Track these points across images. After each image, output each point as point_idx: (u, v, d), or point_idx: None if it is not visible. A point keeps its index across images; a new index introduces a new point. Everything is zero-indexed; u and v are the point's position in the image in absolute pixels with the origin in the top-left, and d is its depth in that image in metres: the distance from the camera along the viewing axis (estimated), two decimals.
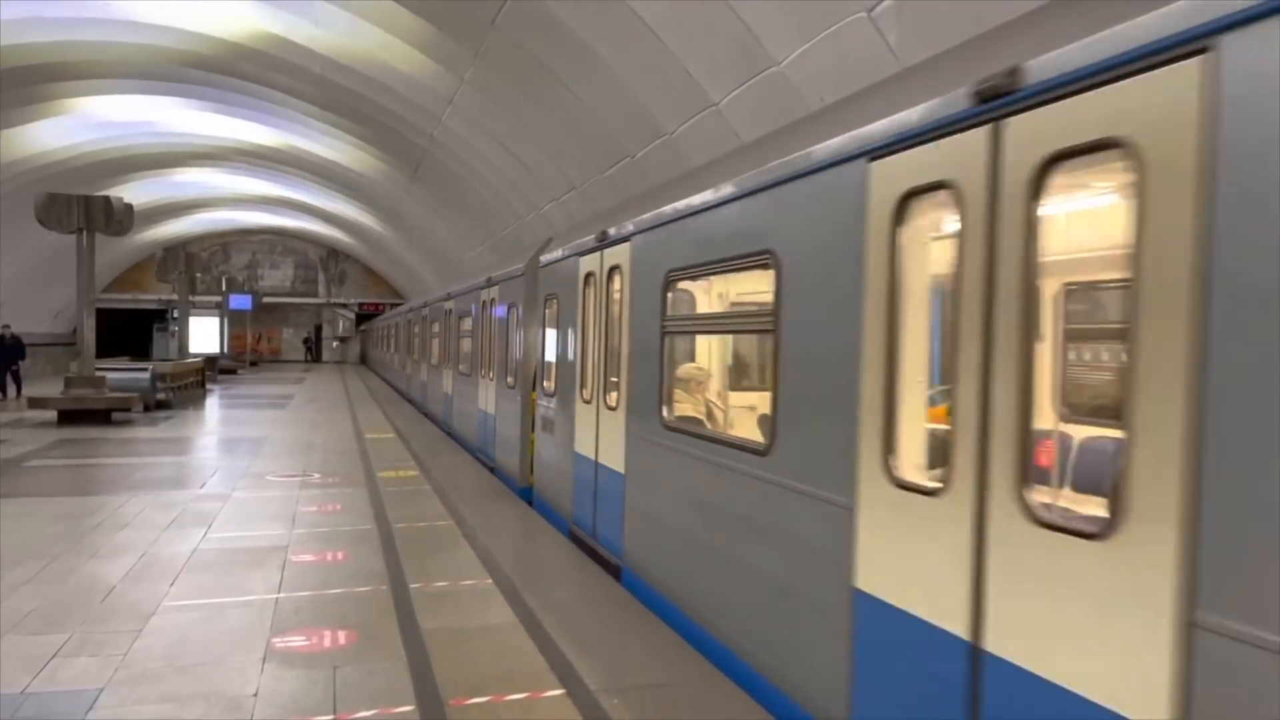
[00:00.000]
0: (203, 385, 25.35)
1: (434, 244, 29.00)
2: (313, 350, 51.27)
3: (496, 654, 4.89)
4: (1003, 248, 2.78)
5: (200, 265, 37.63)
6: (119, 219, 18.16)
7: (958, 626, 2.91)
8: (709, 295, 6.48)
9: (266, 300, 47.48)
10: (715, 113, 9.33)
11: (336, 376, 36.25)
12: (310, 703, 4.21)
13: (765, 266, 4.30)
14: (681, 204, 5.45)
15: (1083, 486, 3.04)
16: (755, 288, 4.75)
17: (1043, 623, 2.58)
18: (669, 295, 5.67)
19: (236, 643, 5.00)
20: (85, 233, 17.54)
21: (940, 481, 3.02)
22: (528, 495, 9.76)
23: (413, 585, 6.19)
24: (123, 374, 19.71)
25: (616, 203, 9.78)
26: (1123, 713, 2.31)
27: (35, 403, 17.46)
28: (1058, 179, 2.64)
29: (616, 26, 9.47)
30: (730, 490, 4.67)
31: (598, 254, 7.15)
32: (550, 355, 8.85)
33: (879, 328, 3.37)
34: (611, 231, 6.82)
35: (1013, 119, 2.76)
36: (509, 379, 10.66)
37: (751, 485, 4.40)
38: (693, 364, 6.52)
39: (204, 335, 38.35)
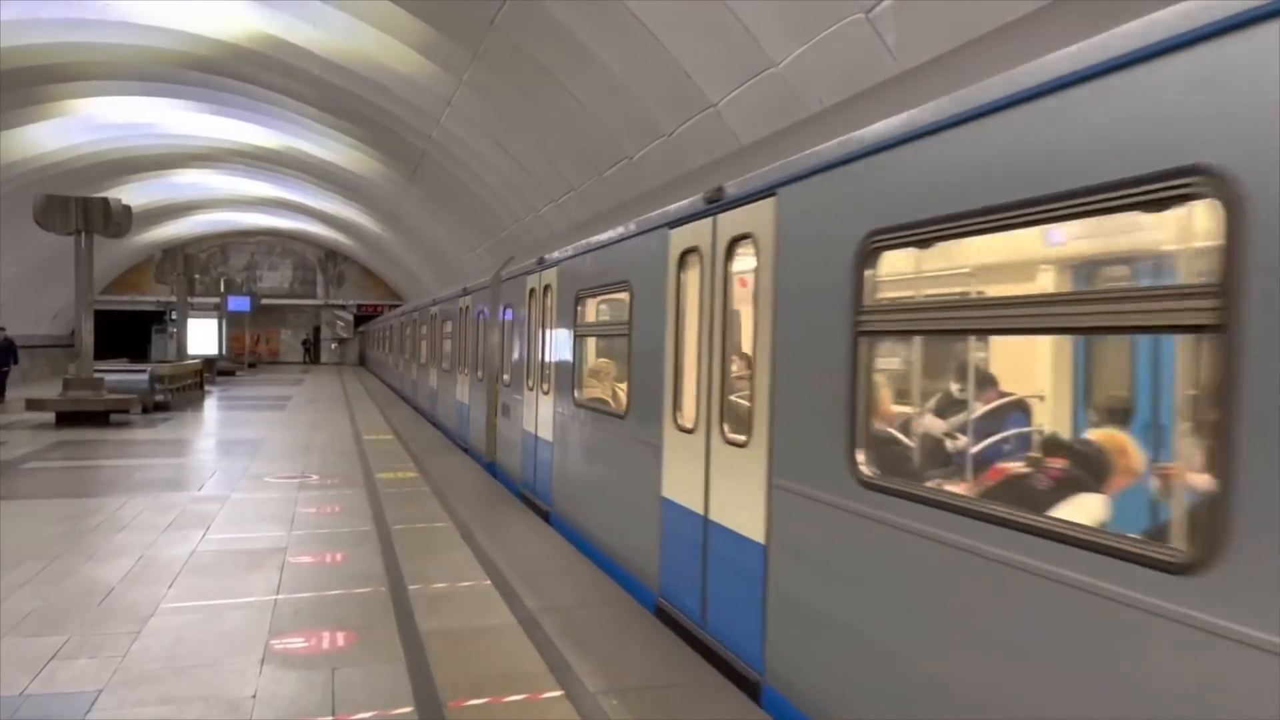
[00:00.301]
0: (201, 387, 25.34)
1: (432, 245, 28.97)
2: (311, 352, 51.15)
3: (495, 655, 4.90)
4: (715, 291, 4.85)
5: (199, 267, 37.37)
6: (117, 220, 18.14)
7: (699, 507, 4.99)
8: (609, 309, 8.09)
9: (265, 302, 47.36)
10: (714, 114, 9.33)
11: (335, 378, 36.25)
12: (309, 704, 4.21)
13: (625, 291, 6.38)
14: (584, 243, 7.47)
15: (741, 422, 4.67)
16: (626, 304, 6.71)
17: (727, 496, 4.67)
18: (579, 308, 7.63)
19: (235, 644, 5.00)
20: (83, 234, 17.53)
21: (694, 425, 5.08)
22: (493, 469, 11.79)
23: (411, 586, 6.20)
24: (121, 376, 19.69)
25: (616, 204, 10.05)
26: (750, 536, 4.34)
27: (34, 404, 17.43)
28: (737, 253, 4.70)
29: (615, 27, 9.47)
30: (607, 444, 6.85)
31: (538, 274, 9.15)
32: (508, 354, 10.88)
33: (673, 336, 5.44)
34: (546, 258, 8.80)
35: (720, 215, 4.82)
36: (479, 374, 12.93)
37: (617, 439, 6.59)
38: (603, 358, 8.17)
39: (202, 337, 38.16)
